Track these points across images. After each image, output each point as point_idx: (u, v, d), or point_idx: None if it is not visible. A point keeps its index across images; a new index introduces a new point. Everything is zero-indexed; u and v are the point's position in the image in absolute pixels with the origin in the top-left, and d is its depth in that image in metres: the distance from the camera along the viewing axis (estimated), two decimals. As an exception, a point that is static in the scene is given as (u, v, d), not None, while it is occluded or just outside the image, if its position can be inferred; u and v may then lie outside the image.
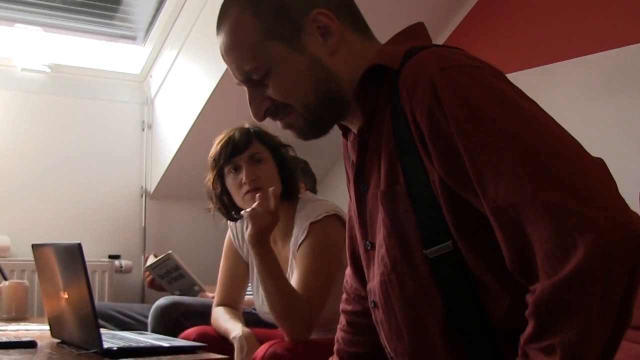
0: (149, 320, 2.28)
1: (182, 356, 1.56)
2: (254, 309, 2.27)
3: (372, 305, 1.18)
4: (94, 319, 1.51)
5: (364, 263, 1.22)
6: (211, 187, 2.12)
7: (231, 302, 2.20)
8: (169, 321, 2.24)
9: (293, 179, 2.14)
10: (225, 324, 2.08)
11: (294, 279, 1.97)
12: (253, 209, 1.88)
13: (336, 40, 1.12)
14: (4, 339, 1.71)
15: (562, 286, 0.85)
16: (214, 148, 2.10)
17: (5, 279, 2.59)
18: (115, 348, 1.51)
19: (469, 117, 0.96)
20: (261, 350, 1.81)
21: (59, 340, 1.77)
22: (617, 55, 2.65)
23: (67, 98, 3.47)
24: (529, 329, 0.90)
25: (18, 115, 3.36)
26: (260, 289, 1.98)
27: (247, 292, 2.29)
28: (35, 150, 3.37)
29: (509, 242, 0.92)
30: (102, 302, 3.24)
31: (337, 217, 2.03)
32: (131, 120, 3.65)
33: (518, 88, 1.02)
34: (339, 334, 1.38)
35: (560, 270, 0.85)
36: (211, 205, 2.15)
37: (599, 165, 0.93)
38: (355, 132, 1.17)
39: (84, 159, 3.47)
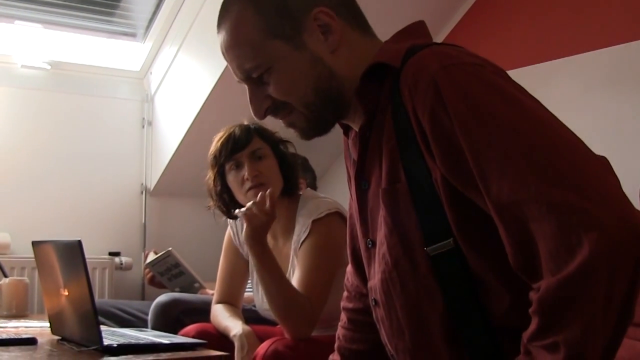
0: (149, 318, 2.28)
1: (182, 353, 1.56)
2: (254, 306, 2.27)
3: (373, 303, 1.18)
4: (94, 316, 1.51)
5: (364, 261, 1.22)
6: (212, 185, 2.11)
7: (231, 299, 2.20)
8: (169, 318, 2.24)
9: (294, 175, 2.14)
10: (225, 321, 2.07)
11: (295, 276, 1.97)
12: (248, 209, 1.88)
13: (337, 38, 1.12)
14: (4, 336, 1.71)
15: (567, 283, 0.85)
16: (214, 145, 2.10)
17: (6, 276, 2.59)
18: (115, 345, 1.51)
19: (472, 115, 0.96)
20: (262, 347, 1.81)
21: (59, 337, 1.77)
22: (617, 52, 2.65)
23: (67, 95, 3.47)
24: (532, 326, 0.90)
25: (18, 113, 3.35)
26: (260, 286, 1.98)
27: (247, 289, 2.29)
28: (35, 148, 3.37)
29: (512, 239, 0.92)
30: (102, 299, 3.24)
31: (339, 215, 2.03)
32: (131, 117, 3.64)
33: (520, 86, 1.02)
34: (340, 332, 1.38)
35: (565, 267, 0.85)
36: (211, 203, 2.15)
37: (603, 163, 0.93)
38: (357, 130, 1.17)
39: (84, 156, 3.47)
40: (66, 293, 1.62)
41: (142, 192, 3.63)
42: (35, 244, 1.79)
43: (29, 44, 3.38)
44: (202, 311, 2.25)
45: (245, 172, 2.03)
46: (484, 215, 0.97)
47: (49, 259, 1.70)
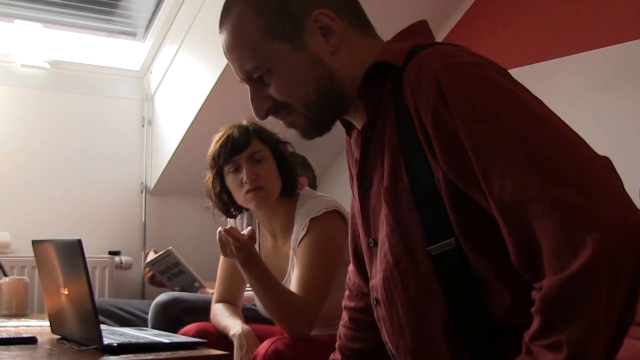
0: (149, 317, 2.28)
1: (182, 352, 1.56)
2: (254, 305, 2.27)
3: (375, 302, 1.18)
4: (94, 315, 1.51)
5: (366, 260, 1.22)
6: (210, 186, 2.11)
7: (230, 298, 2.20)
8: (169, 317, 2.24)
9: (292, 176, 2.13)
10: (225, 320, 2.07)
11: (294, 275, 1.98)
12: (224, 249, 1.86)
13: (338, 39, 1.12)
14: (4, 335, 1.71)
15: (570, 283, 0.85)
16: (213, 146, 2.09)
17: (6, 275, 2.59)
18: (115, 344, 1.51)
19: (475, 114, 0.96)
20: (263, 347, 1.81)
21: (59, 337, 1.76)
22: (618, 51, 2.65)
23: (67, 94, 3.47)
24: (534, 325, 0.90)
25: (18, 112, 3.35)
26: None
27: (247, 288, 2.28)
28: (35, 147, 3.37)
29: (514, 238, 0.92)
30: (102, 298, 3.24)
31: (337, 213, 2.02)
32: (131, 117, 3.64)
33: (522, 85, 1.02)
34: (341, 330, 1.39)
35: (568, 266, 0.85)
36: (210, 204, 2.15)
37: (605, 163, 0.93)
38: (359, 129, 1.17)
39: (84, 155, 3.47)
40: (66, 292, 1.62)
41: (142, 191, 3.63)
42: (35, 243, 1.79)
43: (29, 43, 3.37)
44: (202, 310, 2.25)
45: (243, 175, 2.03)
46: (485, 215, 0.97)
47: (49, 258, 1.70)
